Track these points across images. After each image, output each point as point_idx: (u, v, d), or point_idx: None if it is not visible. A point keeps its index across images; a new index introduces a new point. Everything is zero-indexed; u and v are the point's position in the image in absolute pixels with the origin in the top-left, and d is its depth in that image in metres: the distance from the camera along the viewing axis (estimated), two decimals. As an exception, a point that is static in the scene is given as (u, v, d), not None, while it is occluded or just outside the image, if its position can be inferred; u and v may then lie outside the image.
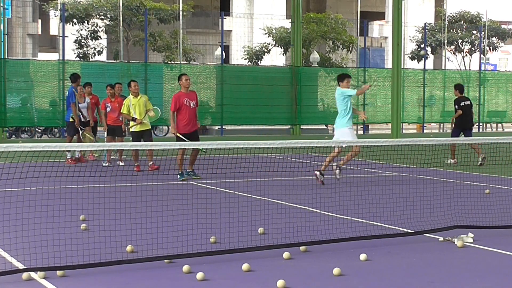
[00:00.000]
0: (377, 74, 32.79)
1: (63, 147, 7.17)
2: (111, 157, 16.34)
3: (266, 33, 39.39)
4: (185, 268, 6.38)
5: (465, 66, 40.95)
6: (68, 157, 16.37)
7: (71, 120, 16.63)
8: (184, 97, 13.42)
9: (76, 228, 8.07)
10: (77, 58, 34.33)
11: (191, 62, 35.31)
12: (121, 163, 16.00)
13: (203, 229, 8.04)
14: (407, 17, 45.18)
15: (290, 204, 10.38)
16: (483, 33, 38.36)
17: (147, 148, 12.92)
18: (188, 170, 13.52)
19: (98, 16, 35.31)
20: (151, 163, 14.73)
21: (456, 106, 17.32)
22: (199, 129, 14.28)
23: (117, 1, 33.34)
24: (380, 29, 56.44)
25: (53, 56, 43.48)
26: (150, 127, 15.25)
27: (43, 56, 47.74)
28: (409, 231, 8.28)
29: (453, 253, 7.32)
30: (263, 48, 39.55)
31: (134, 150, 14.51)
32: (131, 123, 14.93)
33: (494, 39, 41.97)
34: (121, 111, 15.23)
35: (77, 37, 35.27)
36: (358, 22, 37.12)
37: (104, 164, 15.72)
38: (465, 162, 16.08)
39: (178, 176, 13.36)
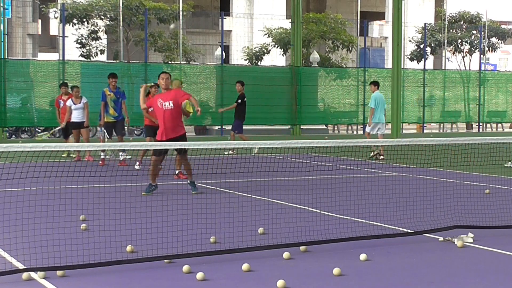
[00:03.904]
0: (377, 74, 32.78)
1: (63, 147, 7.18)
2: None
3: (265, 34, 39.40)
4: (185, 268, 6.38)
5: (465, 66, 40.93)
6: (102, 157, 16.26)
7: (106, 120, 16.33)
8: (158, 97, 11.46)
9: (76, 228, 8.07)
10: (80, 58, 34.32)
11: (191, 62, 35.30)
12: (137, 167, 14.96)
13: (203, 229, 8.03)
14: (407, 17, 45.17)
15: (290, 204, 10.38)
16: (483, 33, 38.35)
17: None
18: (189, 181, 11.65)
19: (98, 16, 35.31)
20: (177, 171, 13.47)
21: (240, 101, 19.15)
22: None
23: (117, 1, 33.33)
24: (380, 29, 56.43)
25: (53, 56, 43.49)
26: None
27: (43, 56, 47.74)
28: (409, 231, 8.28)
29: (453, 253, 7.32)
30: (263, 49, 39.55)
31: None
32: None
33: (494, 40, 41.93)
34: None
35: (78, 37, 35.26)
36: (358, 22, 37.12)
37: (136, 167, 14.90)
38: (465, 162, 16.06)
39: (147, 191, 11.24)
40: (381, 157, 17.63)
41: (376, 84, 18.80)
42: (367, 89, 31.99)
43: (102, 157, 16.30)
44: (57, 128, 17.40)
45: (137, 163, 15.06)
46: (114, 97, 16.30)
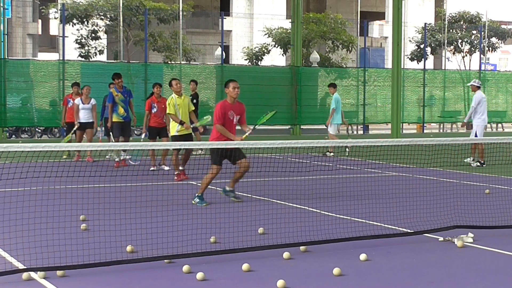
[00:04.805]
0: (377, 74, 32.77)
1: (63, 147, 7.18)
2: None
3: (265, 34, 39.41)
4: (185, 268, 6.38)
5: (465, 66, 40.93)
6: (116, 159, 16.00)
7: (114, 120, 15.95)
8: (230, 108, 10.82)
9: (76, 228, 8.07)
10: (80, 58, 34.32)
11: (191, 62, 35.31)
12: (166, 168, 14.85)
13: (203, 229, 8.04)
14: (407, 17, 45.17)
15: (290, 204, 10.38)
16: (483, 33, 38.35)
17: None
18: (227, 189, 10.93)
19: (98, 16, 35.31)
20: (176, 172, 13.22)
21: (195, 101, 18.96)
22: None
23: (117, 1, 33.34)
24: (380, 29, 56.42)
25: (53, 56, 43.48)
26: (191, 132, 13.43)
27: (43, 56, 47.73)
28: (409, 231, 8.28)
29: (453, 253, 7.32)
30: (263, 49, 39.56)
31: (174, 156, 13.14)
32: (178, 126, 13.16)
33: (494, 40, 41.93)
34: (167, 112, 13.56)
35: (77, 37, 35.27)
36: (358, 22, 37.11)
37: (150, 169, 14.72)
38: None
39: (197, 200, 10.51)
40: (331, 154, 18.80)
41: (335, 86, 19.89)
42: (368, 89, 32.04)
43: (121, 158, 15.88)
44: (74, 128, 17.27)
45: (164, 165, 14.97)
46: (122, 97, 15.98)
